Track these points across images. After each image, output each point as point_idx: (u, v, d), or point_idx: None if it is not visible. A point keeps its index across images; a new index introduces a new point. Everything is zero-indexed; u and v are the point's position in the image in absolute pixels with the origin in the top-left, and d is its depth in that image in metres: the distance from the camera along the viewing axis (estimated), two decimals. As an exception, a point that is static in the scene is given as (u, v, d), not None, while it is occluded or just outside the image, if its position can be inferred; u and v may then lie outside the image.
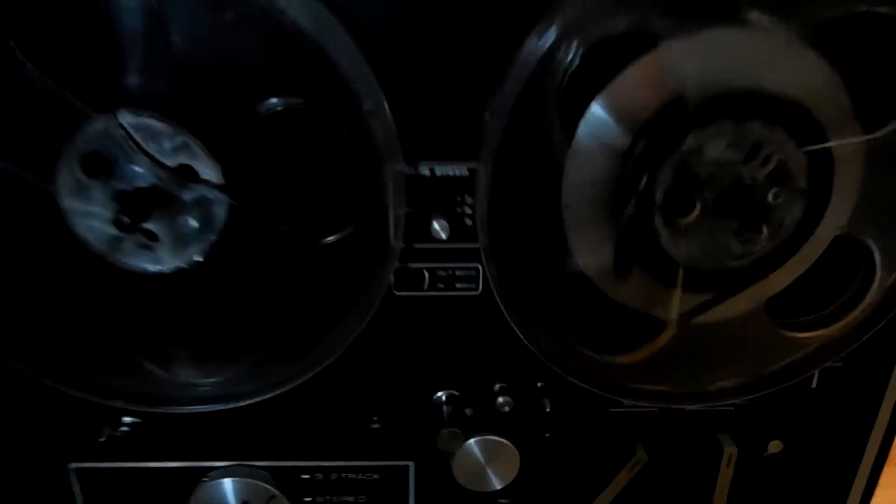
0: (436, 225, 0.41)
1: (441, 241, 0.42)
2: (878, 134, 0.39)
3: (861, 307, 0.44)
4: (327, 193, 0.40)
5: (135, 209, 0.36)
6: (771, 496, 0.54)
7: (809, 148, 0.38)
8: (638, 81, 0.38)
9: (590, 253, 0.42)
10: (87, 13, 0.34)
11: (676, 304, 0.43)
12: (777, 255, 0.41)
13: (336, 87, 0.36)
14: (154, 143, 0.36)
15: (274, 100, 0.37)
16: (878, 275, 0.43)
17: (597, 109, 0.38)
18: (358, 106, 0.37)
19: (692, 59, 0.37)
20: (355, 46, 0.36)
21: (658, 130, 0.38)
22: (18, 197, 0.38)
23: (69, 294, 0.41)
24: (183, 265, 0.40)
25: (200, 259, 0.40)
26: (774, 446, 0.51)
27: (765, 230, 0.39)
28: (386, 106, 0.37)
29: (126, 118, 0.35)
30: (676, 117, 0.38)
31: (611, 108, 0.38)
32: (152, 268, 0.40)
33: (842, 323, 0.44)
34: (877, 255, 0.43)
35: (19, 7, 0.34)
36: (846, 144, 0.39)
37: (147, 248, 0.39)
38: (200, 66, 0.36)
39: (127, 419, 0.44)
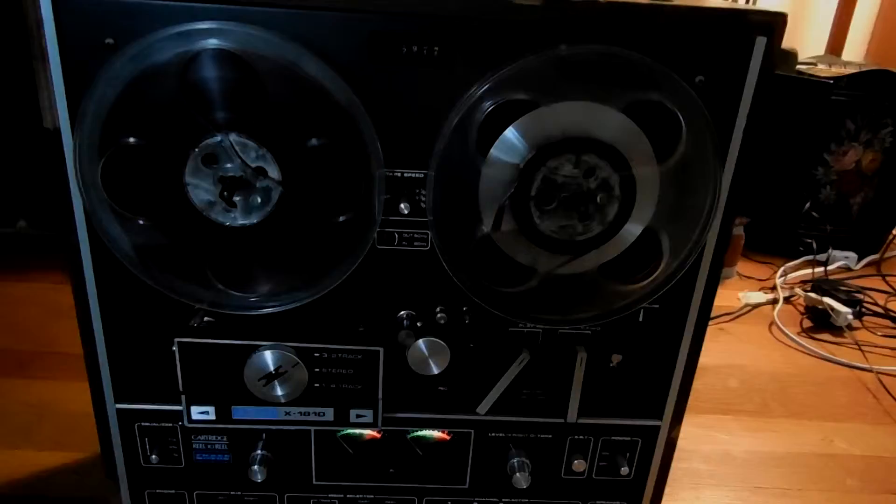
0: (402, 206, 0.67)
1: (405, 216, 0.67)
2: (662, 167, 0.66)
3: (657, 273, 0.68)
4: (340, 188, 0.66)
5: (228, 186, 0.63)
6: (613, 394, 0.75)
7: (621, 173, 0.65)
8: (528, 125, 0.64)
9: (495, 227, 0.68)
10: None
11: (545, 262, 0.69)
12: (602, 236, 0.68)
13: (349, 128, 0.62)
14: (245, 152, 0.62)
15: (314, 140, 0.62)
16: (665, 256, 0.66)
17: (509, 134, 0.62)
18: (360, 137, 0.63)
19: (554, 117, 0.63)
20: (358, 101, 0.62)
21: (535, 155, 0.64)
22: (161, 179, 0.63)
23: (183, 238, 0.66)
24: (250, 223, 0.65)
25: (260, 220, 0.65)
26: (616, 358, 0.72)
27: (594, 219, 0.66)
28: (377, 138, 0.63)
29: (233, 137, 0.62)
30: (545, 148, 0.64)
31: (520, 133, 0.63)
32: (230, 222, 0.65)
33: (648, 281, 0.69)
34: (665, 243, 0.66)
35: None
36: (644, 172, 0.65)
37: (229, 211, 0.65)
38: (277, 114, 0.61)
39: (206, 318, 0.71)
